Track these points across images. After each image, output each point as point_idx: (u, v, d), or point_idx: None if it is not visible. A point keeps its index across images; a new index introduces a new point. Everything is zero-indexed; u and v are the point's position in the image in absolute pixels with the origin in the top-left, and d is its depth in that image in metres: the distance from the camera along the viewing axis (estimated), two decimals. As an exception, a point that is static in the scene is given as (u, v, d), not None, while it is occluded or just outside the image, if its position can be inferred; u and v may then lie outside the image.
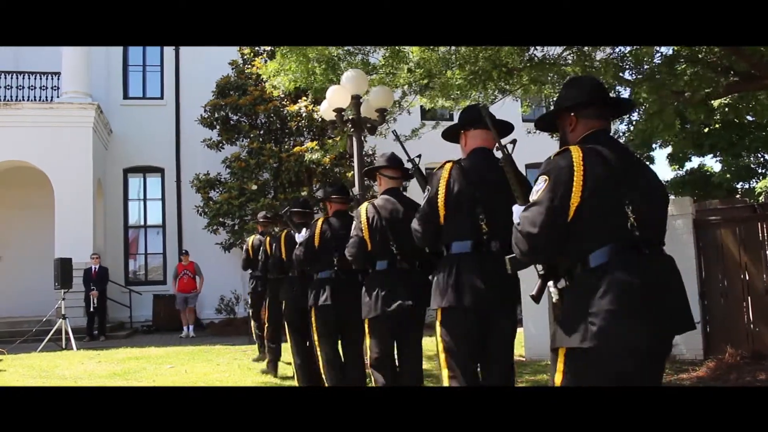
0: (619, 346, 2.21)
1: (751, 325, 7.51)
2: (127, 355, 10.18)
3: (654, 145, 22.50)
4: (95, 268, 13.50)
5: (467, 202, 3.24)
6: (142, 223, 17.44)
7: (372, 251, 4.14)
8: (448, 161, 3.39)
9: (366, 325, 4.18)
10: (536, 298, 2.63)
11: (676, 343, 7.59)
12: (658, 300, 2.24)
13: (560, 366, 2.31)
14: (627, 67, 7.50)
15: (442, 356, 3.24)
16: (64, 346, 11.45)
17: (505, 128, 3.44)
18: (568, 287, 2.40)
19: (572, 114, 2.54)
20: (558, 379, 2.31)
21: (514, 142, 3.06)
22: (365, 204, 4.28)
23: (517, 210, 2.61)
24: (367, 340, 4.20)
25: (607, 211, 2.33)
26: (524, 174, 3.23)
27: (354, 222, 4.32)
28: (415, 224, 3.45)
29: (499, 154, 2.92)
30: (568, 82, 2.73)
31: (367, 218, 4.15)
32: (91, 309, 13.27)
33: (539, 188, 2.41)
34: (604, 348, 2.20)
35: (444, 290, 3.21)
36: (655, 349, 2.33)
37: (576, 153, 2.38)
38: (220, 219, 14.16)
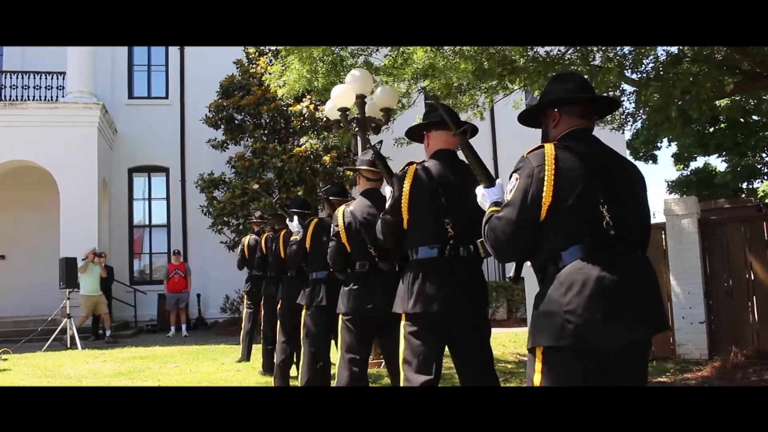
0: (596, 345, 2.20)
1: (757, 325, 7.49)
2: (131, 354, 10.19)
3: (659, 144, 22.48)
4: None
5: (432, 206, 3.24)
6: (147, 222, 17.49)
7: (351, 254, 4.13)
8: (411, 163, 3.38)
9: (339, 322, 4.14)
10: (514, 280, 2.62)
11: (682, 342, 7.63)
12: (632, 298, 2.23)
13: (538, 366, 2.28)
14: (629, 66, 7.48)
15: (402, 357, 3.20)
16: (68, 346, 11.49)
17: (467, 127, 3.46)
18: (542, 285, 2.38)
19: (556, 110, 2.51)
20: (537, 380, 2.27)
21: (471, 128, 3.06)
22: (342, 207, 4.27)
23: (480, 192, 2.64)
24: (339, 337, 4.15)
25: (579, 209, 2.30)
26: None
27: (332, 226, 4.31)
28: (379, 227, 3.46)
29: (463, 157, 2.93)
30: (555, 77, 2.71)
31: (344, 222, 4.14)
32: (96, 308, 13.30)
33: (512, 187, 2.40)
34: (582, 346, 2.19)
35: (410, 295, 3.18)
36: (632, 348, 2.32)
37: (549, 150, 2.36)
38: (225, 218, 14.19)
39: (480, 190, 2.65)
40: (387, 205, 3.41)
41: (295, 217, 5.51)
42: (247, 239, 8.74)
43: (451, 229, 3.21)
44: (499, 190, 2.60)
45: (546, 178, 2.31)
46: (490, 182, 2.65)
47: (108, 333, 13.02)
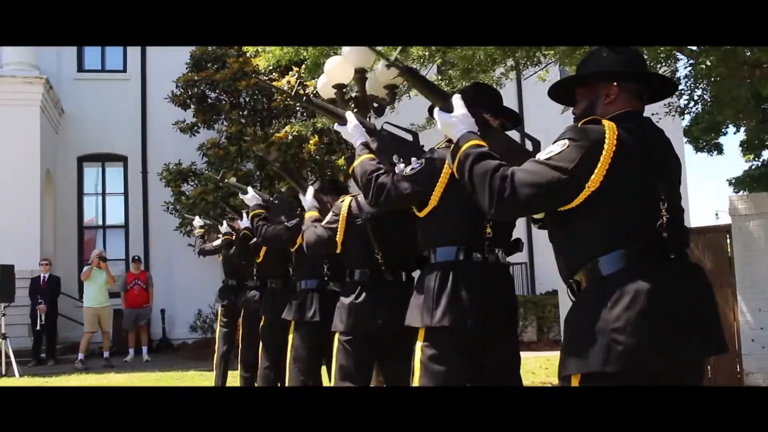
0: (647, 370, 2.19)
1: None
2: (80, 382, 10.21)
3: (724, 130, 22.36)
4: (44, 277, 13.47)
5: (469, 199, 3.16)
6: (101, 222, 17.52)
7: (351, 258, 4.14)
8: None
9: (335, 342, 4.09)
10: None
11: (751, 371, 7.60)
12: (689, 314, 2.22)
13: None
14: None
15: (418, 384, 3.12)
16: (4, 372, 11.49)
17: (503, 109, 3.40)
18: (579, 296, 2.38)
19: (615, 84, 2.47)
20: None
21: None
22: (349, 198, 4.25)
23: (439, 114, 2.67)
24: (334, 362, 4.11)
25: (634, 205, 2.30)
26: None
27: (329, 214, 4.29)
28: (399, 184, 3.23)
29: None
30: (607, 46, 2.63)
31: (350, 214, 4.13)
32: (38, 327, 13.24)
33: (554, 150, 2.34)
34: (631, 372, 2.17)
35: (435, 304, 3.05)
36: (686, 371, 2.31)
37: (610, 128, 2.31)
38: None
39: (439, 112, 2.68)
40: (416, 167, 3.22)
41: (250, 188, 5.71)
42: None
43: (490, 228, 3.14)
44: (466, 120, 2.61)
45: (602, 159, 2.26)
46: (447, 107, 2.67)
47: (105, 354, 13.23)
